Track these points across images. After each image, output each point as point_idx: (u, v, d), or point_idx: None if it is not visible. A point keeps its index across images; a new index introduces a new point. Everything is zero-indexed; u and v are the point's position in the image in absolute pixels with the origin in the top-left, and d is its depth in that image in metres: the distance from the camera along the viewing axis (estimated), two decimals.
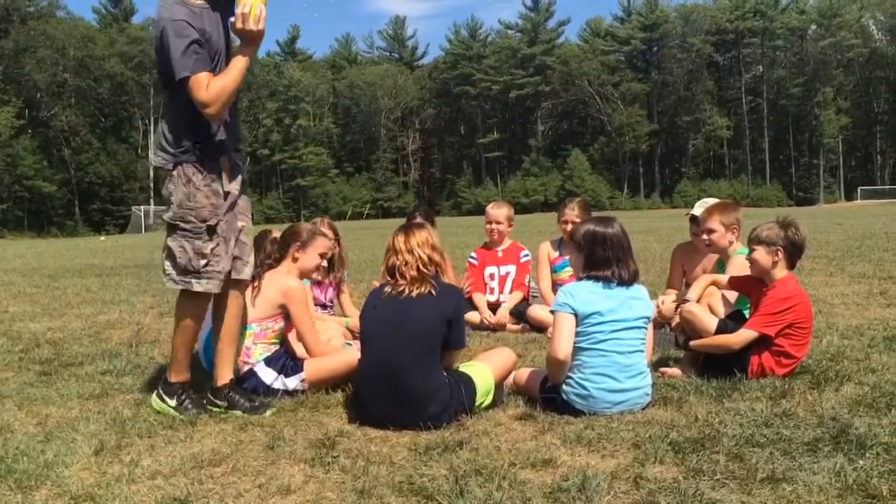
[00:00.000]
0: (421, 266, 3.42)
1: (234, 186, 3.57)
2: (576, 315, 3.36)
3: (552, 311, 3.49)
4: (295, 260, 4.11)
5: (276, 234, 4.61)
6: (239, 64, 3.41)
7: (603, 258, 3.46)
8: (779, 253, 3.80)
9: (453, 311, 3.38)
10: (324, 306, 5.45)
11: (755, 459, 2.64)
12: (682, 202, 64.67)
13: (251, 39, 3.43)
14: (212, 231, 3.43)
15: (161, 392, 3.62)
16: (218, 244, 3.44)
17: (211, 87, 3.30)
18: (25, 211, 63.16)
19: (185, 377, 3.63)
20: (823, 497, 2.33)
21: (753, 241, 3.87)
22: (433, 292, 3.37)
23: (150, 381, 4.25)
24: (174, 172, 3.42)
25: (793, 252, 3.86)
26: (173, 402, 3.57)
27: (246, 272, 3.62)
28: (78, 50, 67.40)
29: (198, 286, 3.44)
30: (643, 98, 78.57)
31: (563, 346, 3.35)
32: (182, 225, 3.41)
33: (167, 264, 3.50)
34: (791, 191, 75.19)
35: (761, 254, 3.83)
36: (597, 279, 3.44)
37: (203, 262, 3.42)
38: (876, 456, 2.63)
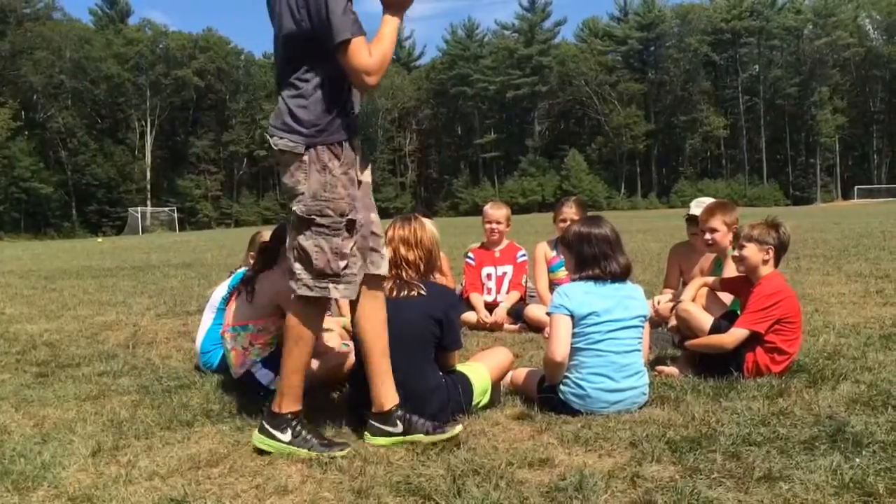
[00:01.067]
0: (422, 264, 3.42)
1: (367, 175, 3.15)
2: (572, 316, 3.37)
3: (548, 313, 3.50)
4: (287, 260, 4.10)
5: (268, 234, 4.60)
6: (392, 28, 2.96)
7: (590, 256, 3.49)
8: (770, 252, 3.87)
9: (443, 311, 3.35)
10: None
11: (752, 458, 2.64)
12: (679, 202, 64.76)
13: (401, 3, 3.00)
14: (351, 227, 2.96)
15: (267, 427, 2.99)
16: (355, 242, 2.99)
17: (374, 53, 2.86)
18: (22, 213, 63.12)
19: (298, 406, 3.04)
20: (820, 495, 2.34)
21: (745, 238, 3.90)
22: (422, 293, 3.36)
23: (147, 382, 4.25)
24: (305, 157, 2.89)
25: (781, 251, 3.94)
26: (286, 437, 2.96)
27: (384, 266, 3.14)
28: (74, 51, 67.43)
29: (335, 292, 2.95)
30: (640, 98, 78.67)
31: (559, 347, 3.35)
32: (318, 220, 2.89)
33: (298, 268, 2.94)
34: (788, 190, 75.35)
35: (752, 251, 3.87)
36: (589, 278, 3.46)
37: (342, 263, 2.93)
38: (872, 454, 2.63)
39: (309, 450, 2.91)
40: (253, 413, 3.51)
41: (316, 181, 2.89)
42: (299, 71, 2.92)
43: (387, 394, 3.08)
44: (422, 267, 3.44)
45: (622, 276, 3.47)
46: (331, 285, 2.93)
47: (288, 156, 2.91)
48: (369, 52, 2.85)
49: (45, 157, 65.72)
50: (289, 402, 3.02)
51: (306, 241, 2.91)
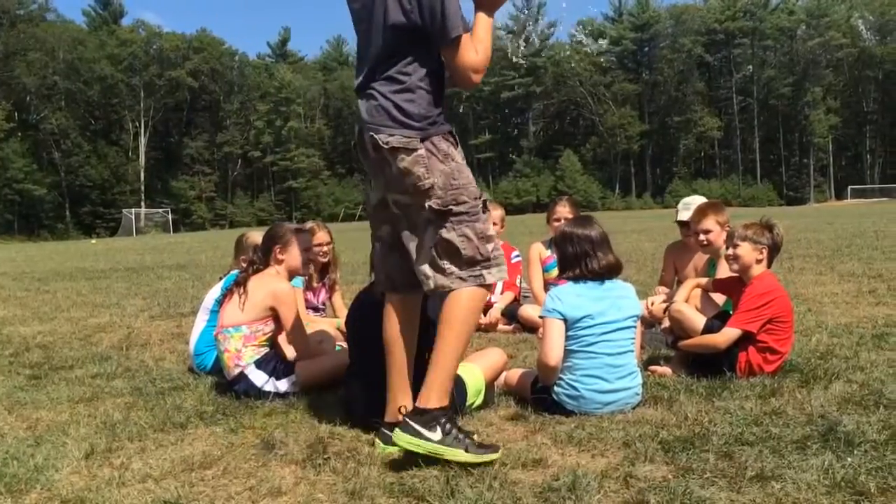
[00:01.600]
0: None
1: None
2: (565, 320, 3.37)
3: (541, 317, 3.50)
4: (280, 262, 4.10)
5: (255, 235, 4.60)
6: (487, 27, 2.88)
7: (572, 255, 3.50)
8: (763, 252, 3.88)
9: (433, 310, 3.34)
10: (316, 309, 5.46)
11: (744, 457, 2.65)
12: (673, 202, 64.61)
13: (494, 2, 2.92)
14: (485, 208, 2.90)
15: (412, 424, 2.73)
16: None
17: (480, 51, 2.81)
18: (15, 214, 62.97)
19: (446, 402, 2.83)
20: (812, 494, 2.35)
21: (739, 237, 3.91)
22: None
23: (140, 384, 4.24)
24: (421, 151, 2.78)
25: (774, 252, 3.96)
26: (436, 436, 2.71)
27: None
28: (68, 53, 67.31)
29: (489, 276, 2.83)
30: (634, 98, 78.82)
31: (553, 351, 3.35)
32: (455, 209, 2.79)
33: (445, 263, 2.79)
34: (782, 190, 75.57)
35: (747, 249, 3.88)
36: (573, 278, 3.47)
37: (490, 246, 2.83)
38: (864, 453, 2.64)
39: (465, 450, 2.67)
40: (247, 415, 3.52)
41: (441, 171, 2.79)
42: (401, 64, 2.82)
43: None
44: None
45: (604, 274, 3.47)
46: (484, 271, 2.82)
47: (402, 152, 2.78)
48: (476, 51, 2.80)
49: (38, 159, 65.55)
50: (438, 397, 2.80)
51: (448, 232, 2.79)
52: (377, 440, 2.97)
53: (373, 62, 2.87)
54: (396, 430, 2.75)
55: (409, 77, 2.81)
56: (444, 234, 2.79)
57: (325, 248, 5.41)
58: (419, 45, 2.81)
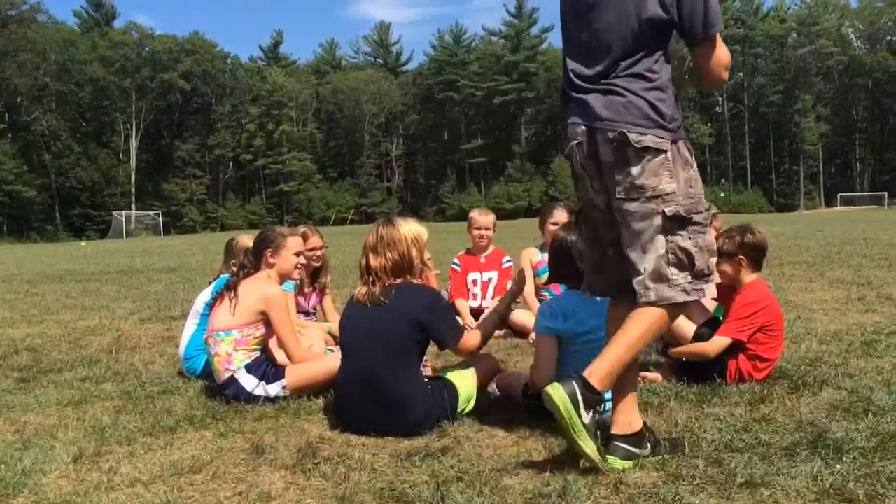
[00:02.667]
0: (388, 265, 3.37)
1: None
2: (558, 336, 3.36)
3: (535, 332, 3.49)
4: (271, 265, 4.09)
5: (246, 238, 4.59)
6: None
7: (566, 262, 3.50)
8: (742, 262, 3.90)
9: (424, 310, 3.32)
10: (307, 313, 5.45)
11: (734, 464, 2.66)
12: None
13: None
14: (711, 220, 2.80)
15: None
16: None
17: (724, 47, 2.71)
18: (5, 216, 62.57)
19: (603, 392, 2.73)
20: (801, 501, 2.35)
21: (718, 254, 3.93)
22: (399, 297, 3.33)
23: (130, 387, 4.22)
24: (668, 154, 2.64)
25: (755, 255, 3.97)
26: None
27: None
28: (59, 54, 66.94)
29: (708, 291, 2.73)
30: None
31: (545, 371, 3.33)
32: (695, 218, 2.66)
33: (673, 272, 2.66)
34: (772, 197, 75.93)
35: (726, 266, 3.92)
36: (571, 286, 3.47)
37: (714, 259, 2.74)
38: (853, 460, 2.66)
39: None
40: (237, 419, 3.50)
41: (683, 178, 2.67)
42: (649, 61, 2.67)
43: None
44: (389, 269, 3.37)
45: (575, 280, 3.43)
46: (704, 286, 2.70)
47: (650, 152, 2.63)
48: (724, 46, 2.71)
49: (28, 160, 65.12)
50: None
51: (685, 241, 2.65)
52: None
53: (615, 56, 2.68)
54: (612, 457, 2.73)
55: (658, 75, 2.69)
56: (681, 242, 2.66)
57: (319, 253, 5.40)
58: (663, 43, 2.70)
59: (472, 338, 3.50)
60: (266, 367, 3.86)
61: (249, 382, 3.79)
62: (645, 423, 2.86)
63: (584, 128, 2.74)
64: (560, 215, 5.81)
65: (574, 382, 2.62)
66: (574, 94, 2.78)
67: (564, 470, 2.70)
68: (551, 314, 3.39)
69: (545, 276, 5.92)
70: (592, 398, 2.62)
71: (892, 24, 76.93)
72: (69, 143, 67.80)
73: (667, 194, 2.64)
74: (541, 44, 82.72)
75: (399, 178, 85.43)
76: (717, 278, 2.84)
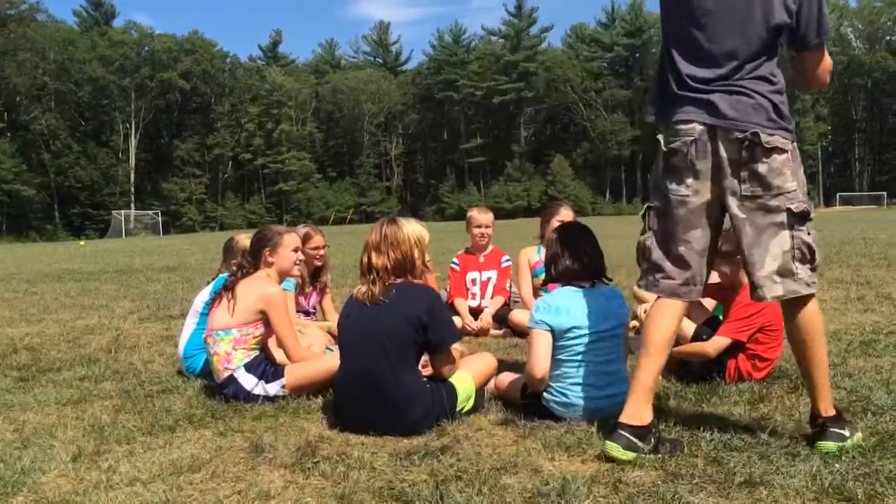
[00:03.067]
0: (390, 265, 3.36)
1: None
2: (552, 331, 3.36)
3: (529, 327, 3.49)
4: (269, 264, 4.09)
5: (245, 238, 4.58)
6: None
7: (549, 257, 3.54)
8: (739, 261, 3.89)
9: (426, 311, 3.31)
10: (307, 313, 5.44)
11: (733, 463, 2.66)
12: None
13: None
14: None
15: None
16: None
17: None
18: (4, 215, 62.56)
19: (832, 408, 2.89)
20: (800, 500, 2.36)
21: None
22: (400, 296, 3.33)
23: (129, 386, 4.22)
24: (789, 153, 2.80)
25: None
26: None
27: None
28: (58, 53, 66.90)
29: (818, 285, 2.88)
30: (626, 104, 79.07)
31: (540, 364, 3.34)
32: (811, 214, 2.83)
33: (798, 267, 2.81)
34: None
35: (726, 266, 3.92)
36: (566, 284, 3.47)
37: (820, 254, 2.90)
38: (851, 459, 2.66)
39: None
40: (236, 418, 3.50)
41: (800, 176, 2.83)
42: (770, 64, 2.83)
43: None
44: (391, 269, 3.37)
45: (593, 279, 3.49)
46: (817, 279, 2.87)
47: (777, 152, 2.77)
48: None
49: (27, 160, 65.10)
50: (826, 405, 2.89)
51: (808, 236, 2.81)
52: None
53: (741, 59, 2.81)
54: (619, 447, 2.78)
55: (778, 78, 2.84)
56: (805, 237, 2.80)
57: (322, 252, 5.40)
58: (777, 47, 2.84)
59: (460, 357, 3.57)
60: (265, 367, 3.86)
61: (248, 381, 3.79)
62: (654, 421, 2.87)
63: (703, 126, 2.83)
64: (566, 214, 5.77)
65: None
66: (690, 94, 2.87)
67: (564, 469, 2.70)
68: (545, 309, 3.39)
69: (542, 276, 5.92)
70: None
71: (892, 23, 77.00)
72: (68, 143, 67.76)
73: (791, 191, 2.78)
74: (540, 43, 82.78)
75: (398, 177, 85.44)
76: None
